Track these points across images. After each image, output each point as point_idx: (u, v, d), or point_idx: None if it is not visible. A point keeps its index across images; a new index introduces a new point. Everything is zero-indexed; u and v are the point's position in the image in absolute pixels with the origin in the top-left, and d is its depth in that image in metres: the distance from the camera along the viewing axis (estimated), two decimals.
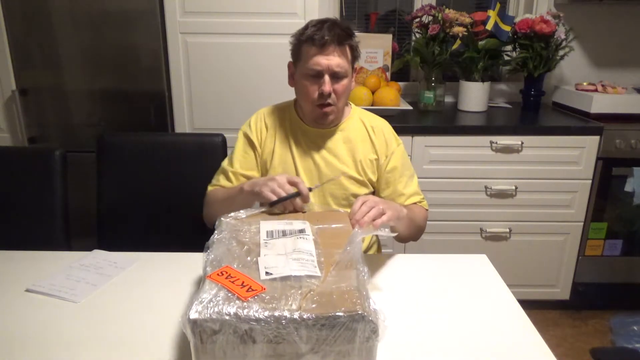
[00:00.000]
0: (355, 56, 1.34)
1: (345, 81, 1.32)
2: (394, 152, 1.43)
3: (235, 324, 0.72)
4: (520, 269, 2.33)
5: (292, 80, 1.38)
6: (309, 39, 1.27)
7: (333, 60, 1.27)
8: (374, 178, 1.42)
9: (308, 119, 1.39)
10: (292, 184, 1.16)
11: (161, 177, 1.69)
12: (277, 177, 1.17)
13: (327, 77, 1.28)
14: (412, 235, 1.38)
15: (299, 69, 1.33)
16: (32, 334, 0.98)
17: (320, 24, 1.28)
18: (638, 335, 2.16)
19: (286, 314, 0.72)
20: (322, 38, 1.25)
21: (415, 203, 1.43)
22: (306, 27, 1.30)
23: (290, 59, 1.37)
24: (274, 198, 1.12)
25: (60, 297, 1.10)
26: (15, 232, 1.56)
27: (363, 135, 1.42)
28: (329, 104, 1.32)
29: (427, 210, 1.47)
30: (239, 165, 1.42)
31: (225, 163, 1.45)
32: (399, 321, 1.01)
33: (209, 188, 1.46)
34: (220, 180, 1.44)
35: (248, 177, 1.41)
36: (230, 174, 1.42)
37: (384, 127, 1.45)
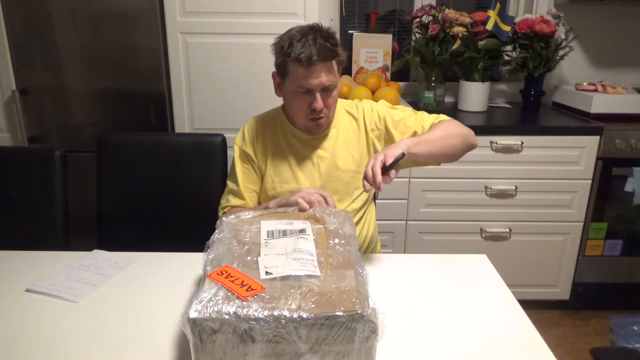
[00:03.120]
0: (340, 64, 1.32)
1: (334, 92, 1.32)
2: (383, 113, 1.40)
3: (235, 323, 0.72)
4: (520, 269, 2.33)
5: (280, 91, 1.36)
6: (296, 59, 1.23)
7: (322, 78, 1.25)
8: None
9: (300, 128, 1.39)
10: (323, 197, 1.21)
11: (161, 177, 1.69)
12: (304, 190, 1.23)
13: (318, 95, 1.27)
14: (452, 146, 1.31)
15: (287, 84, 1.30)
16: (32, 334, 0.98)
17: (304, 38, 1.24)
18: (638, 335, 2.16)
19: (285, 313, 0.73)
20: (309, 58, 1.21)
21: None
22: (290, 43, 1.24)
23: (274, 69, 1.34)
24: (307, 206, 1.15)
25: (60, 297, 1.10)
26: (15, 232, 1.56)
27: (351, 123, 1.42)
28: (321, 117, 1.32)
29: (446, 118, 1.41)
30: (243, 181, 1.42)
31: (230, 183, 1.45)
32: (398, 321, 1.01)
33: (221, 211, 1.46)
34: (230, 200, 1.44)
35: (256, 191, 1.43)
36: (239, 192, 1.42)
37: (360, 102, 1.44)
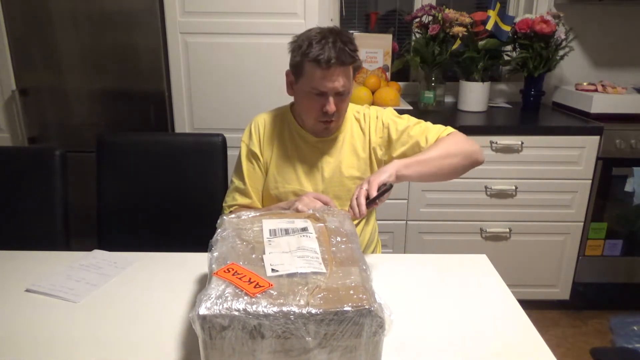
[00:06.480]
0: (356, 70, 1.32)
1: (347, 97, 1.31)
2: (388, 121, 1.40)
3: (244, 320, 0.72)
4: (520, 269, 2.33)
5: (292, 90, 1.36)
6: (314, 60, 1.22)
7: (338, 82, 1.25)
8: (386, 158, 1.41)
9: (308, 130, 1.39)
10: (324, 202, 1.21)
11: (161, 177, 1.68)
12: (304, 196, 1.23)
13: (331, 98, 1.27)
14: (449, 166, 1.28)
15: (301, 84, 1.29)
16: (32, 334, 0.97)
17: (324, 40, 1.23)
18: (638, 335, 2.17)
19: (294, 309, 0.73)
20: (328, 61, 1.21)
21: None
22: (310, 43, 1.23)
23: (289, 67, 1.33)
24: (308, 210, 1.14)
25: (60, 297, 1.10)
26: (15, 232, 1.56)
27: (358, 129, 1.42)
28: (332, 120, 1.32)
29: (454, 131, 1.37)
30: (249, 180, 1.42)
31: (236, 181, 1.44)
32: (399, 321, 1.00)
33: (227, 209, 1.44)
34: (237, 198, 1.43)
35: (261, 190, 1.43)
36: (246, 190, 1.41)
37: (369, 109, 1.44)
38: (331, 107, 1.27)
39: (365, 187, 1.17)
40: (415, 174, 1.24)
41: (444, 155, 1.28)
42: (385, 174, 1.18)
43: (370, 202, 1.15)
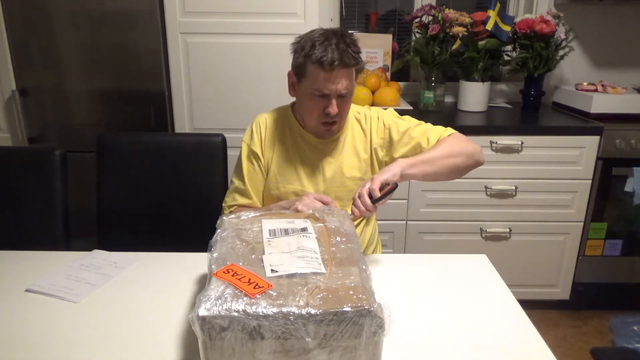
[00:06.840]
0: (358, 71, 1.32)
1: (349, 99, 1.32)
2: (389, 122, 1.40)
3: (244, 321, 0.72)
4: (520, 269, 2.33)
5: (293, 90, 1.36)
6: (317, 62, 1.22)
7: (341, 84, 1.25)
8: (387, 159, 1.42)
9: (309, 131, 1.39)
10: (325, 203, 1.21)
11: (161, 177, 1.69)
12: (304, 197, 1.23)
13: (334, 100, 1.27)
14: (452, 166, 1.30)
15: (304, 86, 1.29)
16: (32, 334, 0.98)
17: (327, 41, 1.23)
18: (638, 335, 2.17)
19: (294, 310, 0.73)
20: (331, 62, 1.21)
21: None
22: (313, 45, 1.23)
23: (290, 68, 1.33)
24: (308, 210, 1.14)
25: (60, 297, 1.10)
26: (15, 232, 1.56)
27: (359, 130, 1.42)
28: (334, 122, 1.32)
29: (454, 132, 1.39)
30: (250, 180, 1.41)
31: (236, 181, 1.44)
32: (399, 321, 1.00)
33: (226, 210, 1.44)
34: (237, 199, 1.43)
35: (261, 190, 1.43)
36: (246, 191, 1.41)
37: (369, 110, 1.44)
38: (334, 108, 1.27)
39: (367, 185, 1.17)
40: (420, 173, 1.26)
41: (447, 155, 1.30)
42: (389, 173, 1.19)
43: (376, 201, 1.15)
